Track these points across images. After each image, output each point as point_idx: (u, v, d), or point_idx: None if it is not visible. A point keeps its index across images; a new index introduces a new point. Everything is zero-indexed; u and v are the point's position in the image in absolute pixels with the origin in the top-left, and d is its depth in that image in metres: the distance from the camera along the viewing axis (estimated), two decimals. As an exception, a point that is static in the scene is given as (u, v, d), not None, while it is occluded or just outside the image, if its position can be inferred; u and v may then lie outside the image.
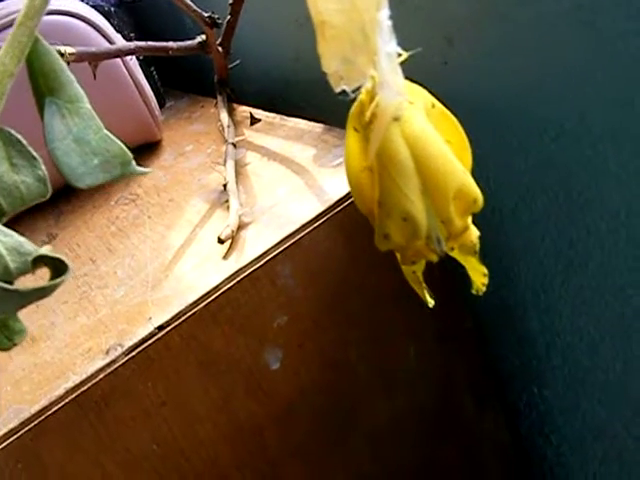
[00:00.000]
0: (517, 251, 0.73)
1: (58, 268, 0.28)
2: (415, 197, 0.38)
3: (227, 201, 0.71)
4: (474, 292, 0.47)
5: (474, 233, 0.43)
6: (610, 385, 0.72)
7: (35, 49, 0.30)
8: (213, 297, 0.60)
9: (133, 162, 0.33)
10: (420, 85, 0.41)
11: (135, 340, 0.58)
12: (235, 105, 0.95)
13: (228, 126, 0.84)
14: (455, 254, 0.44)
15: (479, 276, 0.46)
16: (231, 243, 0.65)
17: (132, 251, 0.73)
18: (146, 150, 0.96)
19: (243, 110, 0.93)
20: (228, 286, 0.61)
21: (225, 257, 0.64)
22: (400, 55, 0.35)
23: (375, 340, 0.70)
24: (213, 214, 0.72)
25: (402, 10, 0.69)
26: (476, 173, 0.41)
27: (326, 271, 0.65)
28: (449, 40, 0.67)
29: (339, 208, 0.64)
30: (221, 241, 0.64)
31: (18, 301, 0.28)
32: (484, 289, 0.46)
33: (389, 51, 0.35)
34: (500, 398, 0.82)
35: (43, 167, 0.31)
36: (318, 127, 0.80)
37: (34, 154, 0.31)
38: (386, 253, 0.69)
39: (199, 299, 0.60)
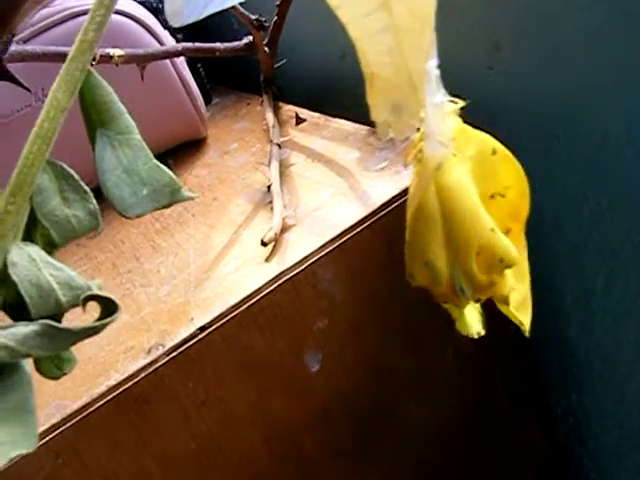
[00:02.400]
0: (559, 259, 0.73)
1: (108, 304, 0.29)
2: (437, 248, 0.40)
3: (271, 202, 0.71)
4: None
5: (506, 287, 0.43)
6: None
7: (87, 82, 0.31)
8: (254, 300, 0.61)
9: (182, 190, 0.33)
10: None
11: (177, 340, 0.59)
12: (281, 104, 0.95)
13: (273, 126, 0.84)
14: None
15: (516, 320, 0.48)
16: (274, 246, 0.65)
17: (176, 249, 0.73)
18: (191, 147, 0.97)
19: (289, 109, 0.93)
20: (269, 289, 0.61)
21: (267, 260, 0.64)
22: (454, 102, 0.36)
23: (414, 344, 0.70)
24: (256, 215, 0.73)
25: (449, 14, 0.69)
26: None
27: (367, 275, 0.66)
28: (497, 45, 0.67)
29: (382, 213, 0.65)
30: (264, 244, 0.64)
31: (68, 339, 0.28)
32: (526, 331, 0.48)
33: (436, 102, 0.35)
34: (538, 404, 0.82)
35: (94, 201, 0.31)
36: (363, 129, 0.80)
37: (85, 188, 0.31)
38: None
39: (241, 301, 0.60)
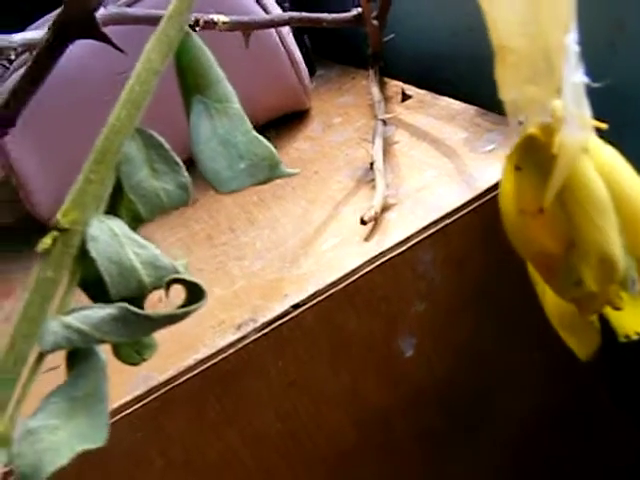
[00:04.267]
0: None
1: (194, 289, 0.27)
2: (614, 234, 0.34)
3: (373, 180, 0.69)
4: (623, 339, 0.41)
5: None
6: None
7: (185, 44, 0.29)
8: (351, 279, 0.59)
9: (281, 165, 0.31)
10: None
11: (269, 317, 0.58)
12: (386, 79, 0.93)
13: (379, 102, 0.82)
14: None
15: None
16: (374, 225, 0.64)
17: (273, 223, 0.72)
18: (294, 119, 0.96)
19: (394, 85, 0.91)
20: (367, 269, 0.59)
21: (367, 239, 0.62)
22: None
23: (512, 335, 0.67)
24: (358, 192, 0.71)
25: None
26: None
27: (469, 262, 0.63)
28: (620, 23, 0.64)
29: (487, 197, 0.62)
30: (364, 222, 0.62)
31: (147, 326, 0.27)
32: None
33: (576, 81, 0.32)
34: (635, 403, 0.79)
35: (186, 174, 0.29)
36: (471, 109, 0.77)
37: (176, 159, 0.29)
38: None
39: (337, 280, 0.59)
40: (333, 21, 0.81)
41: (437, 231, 0.61)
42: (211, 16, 0.63)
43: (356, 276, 0.59)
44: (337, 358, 0.60)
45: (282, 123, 0.95)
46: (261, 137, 0.31)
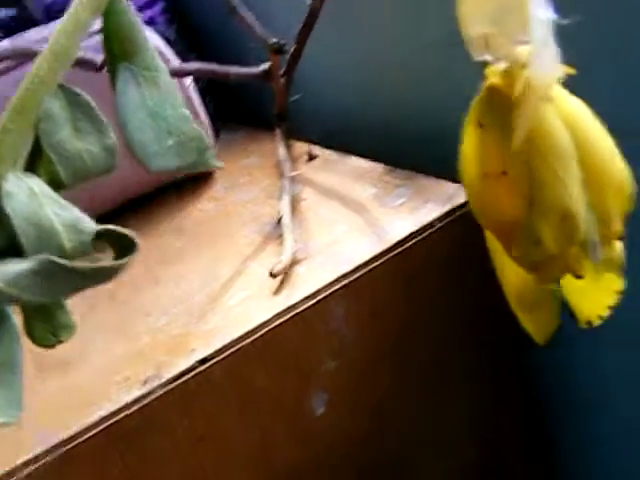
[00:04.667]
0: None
1: (124, 247, 0.25)
2: (576, 189, 0.32)
3: (281, 236, 0.68)
4: (584, 325, 0.39)
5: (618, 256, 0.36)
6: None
7: (112, 5, 0.27)
8: (260, 333, 0.57)
9: (210, 151, 0.29)
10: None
11: (175, 372, 0.55)
12: (292, 141, 0.92)
13: (285, 160, 0.81)
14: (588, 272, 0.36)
15: (605, 298, 0.38)
16: (283, 279, 0.62)
17: (178, 280, 0.70)
18: (197, 180, 0.94)
19: (301, 146, 0.90)
20: (277, 323, 0.57)
21: (276, 293, 0.61)
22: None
23: (429, 393, 0.66)
24: (266, 247, 0.69)
25: None
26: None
27: (381, 316, 0.62)
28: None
29: (399, 249, 0.61)
30: (273, 275, 0.61)
31: (73, 281, 0.24)
32: (605, 316, 0.38)
33: (542, 17, 0.30)
34: (549, 458, 0.78)
35: (113, 135, 0.27)
36: (379, 167, 0.77)
37: (103, 119, 0.27)
38: (448, 300, 0.66)
39: (245, 334, 0.57)
40: (240, 75, 0.80)
41: (348, 284, 0.60)
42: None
43: (265, 330, 0.57)
44: (246, 414, 0.58)
45: (185, 184, 0.93)
46: (190, 116, 0.29)
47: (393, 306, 0.62)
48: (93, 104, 0.27)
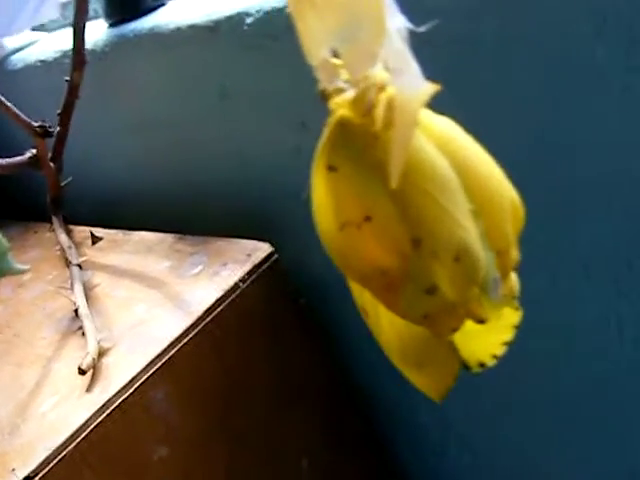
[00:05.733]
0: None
1: None
2: (468, 222, 0.27)
3: (80, 328, 0.64)
4: (477, 369, 0.33)
5: (514, 287, 0.31)
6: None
7: None
8: (82, 436, 0.54)
9: (9, 254, 0.26)
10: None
11: (1, 495, 0.51)
12: (71, 226, 0.88)
13: (69, 247, 0.78)
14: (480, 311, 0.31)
15: (500, 335, 0.33)
16: (93, 373, 0.59)
17: (-21, 396, 0.65)
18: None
19: (81, 230, 0.87)
20: (97, 421, 0.54)
21: (89, 390, 0.57)
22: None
23: (265, 456, 0.64)
24: (67, 344, 0.66)
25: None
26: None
27: (203, 390, 0.60)
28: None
29: (207, 319, 0.60)
30: (82, 372, 0.57)
31: None
32: (500, 355, 0.33)
33: (399, 26, 0.25)
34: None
35: None
36: (168, 237, 0.75)
37: None
38: (269, 359, 0.64)
39: (66, 441, 0.53)
40: (7, 166, 0.76)
41: (162, 365, 0.57)
42: None
43: (86, 431, 0.54)
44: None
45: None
46: None
47: (213, 377, 0.61)
48: None
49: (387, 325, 0.32)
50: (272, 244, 0.65)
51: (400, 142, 0.26)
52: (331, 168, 0.28)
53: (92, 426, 0.54)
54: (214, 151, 0.74)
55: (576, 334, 0.58)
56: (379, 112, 0.27)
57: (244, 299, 0.62)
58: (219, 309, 0.60)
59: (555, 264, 0.56)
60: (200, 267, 0.66)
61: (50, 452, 0.53)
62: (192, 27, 0.66)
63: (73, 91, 0.73)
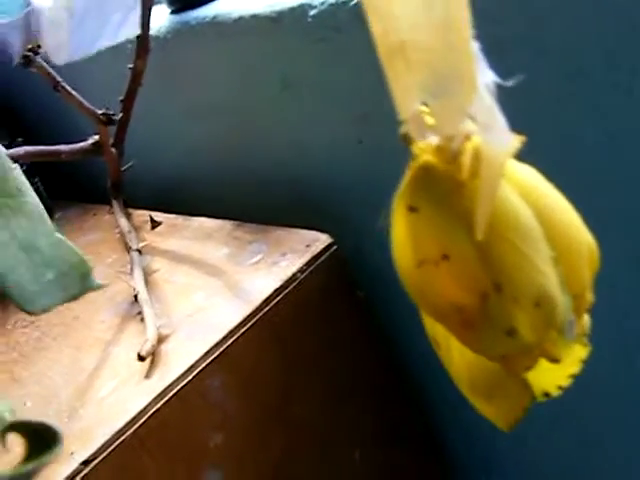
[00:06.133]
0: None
1: (38, 437, 0.22)
2: (548, 269, 0.28)
3: (139, 313, 0.65)
4: (541, 398, 0.34)
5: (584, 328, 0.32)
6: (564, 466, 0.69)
7: None
8: (140, 422, 0.54)
9: (92, 272, 0.26)
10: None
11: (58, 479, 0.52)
12: (131, 210, 0.89)
13: (129, 232, 0.78)
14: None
15: (568, 368, 0.33)
16: (152, 359, 0.59)
17: (40, 378, 0.66)
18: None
19: (141, 214, 0.87)
20: (156, 407, 0.55)
21: (148, 376, 0.58)
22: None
23: (319, 447, 0.65)
24: (126, 328, 0.66)
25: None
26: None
27: (260, 379, 0.60)
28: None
29: (266, 309, 0.60)
30: (142, 358, 0.58)
31: None
32: (566, 386, 0.34)
33: (487, 81, 0.26)
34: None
35: None
36: (227, 224, 0.75)
37: None
38: (325, 351, 0.65)
39: (125, 426, 0.54)
40: (71, 152, 0.77)
41: (221, 353, 0.58)
42: None
43: (145, 417, 0.55)
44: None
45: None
46: (64, 238, 0.26)
47: (269, 367, 0.61)
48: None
49: (458, 357, 0.33)
50: (331, 235, 0.65)
51: (487, 194, 0.27)
52: (412, 209, 0.29)
53: (150, 412, 0.55)
54: (275, 140, 0.74)
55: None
56: (465, 161, 0.27)
57: (302, 290, 0.62)
58: (277, 299, 0.61)
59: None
60: (259, 256, 0.67)
61: (109, 437, 0.53)
62: (254, 17, 0.66)
63: (136, 78, 0.73)
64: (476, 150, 0.27)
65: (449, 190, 0.28)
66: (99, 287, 0.26)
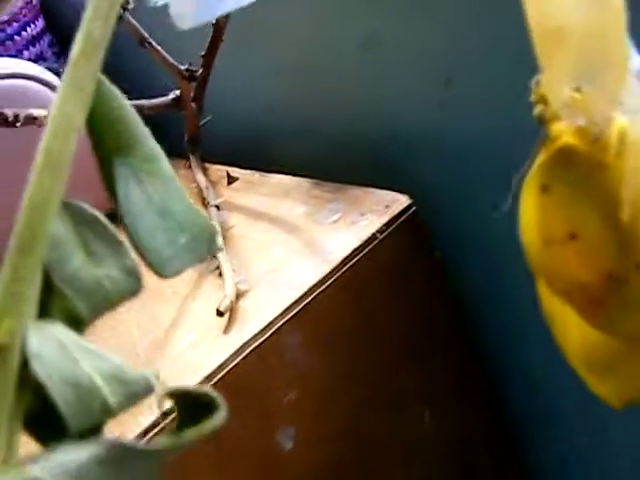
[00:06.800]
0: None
1: (194, 405, 0.21)
2: None
3: (217, 268, 0.65)
4: None
5: None
6: (626, 434, 0.68)
7: (98, 93, 0.23)
8: (218, 377, 0.55)
9: (217, 236, 0.26)
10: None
11: (139, 430, 0.52)
12: (207, 165, 0.89)
13: (207, 187, 0.78)
14: None
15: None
16: (230, 315, 0.59)
17: (116, 328, 0.67)
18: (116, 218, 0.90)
19: (217, 169, 0.87)
20: (233, 363, 0.55)
21: (226, 331, 0.58)
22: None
23: (390, 407, 0.64)
24: (203, 283, 0.67)
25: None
26: None
27: (336, 338, 0.60)
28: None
29: (345, 268, 0.60)
30: (220, 313, 0.58)
31: (151, 467, 0.19)
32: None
33: (636, 67, 0.27)
34: (518, 456, 0.77)
35: (130, 254, 0.23)
36: (304, 182, 0.75)
37: (118, 237, 0.23)
38: (402, 312, 0.64)
39: (203, 381, 0.54)
40: (152, 107, 0.77)
41: (300, 311, 0.58)
42: (31, 110, 0.58)
43: (222, 373, 0.55)
44: (217, 462, 0.55)
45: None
46: (193, 202, 0.26)
47: (347, 327, 0.61)
48: (102, 218, 0.23)
49: (575, 332, 0.33)
50: (411, 196, 0.64)
51: (634, 175, 0.27)
52: (544, 188, 0.30)
53: (228, 368, 0.55)
54: (355, 99, 0.74)
55: None
56: (610, 143, 0.28)
57: (381, 250, 0.61)
58: (356, 258, 0.60)
59: None
60: (338, 215, 0.66)
61: (187, 390, 0.54)
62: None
63: (218, 34, 0.73)
64: (622, 132, 0.27)
65: (588, 171, 0.28)
66: (221, 250, 0.26)
